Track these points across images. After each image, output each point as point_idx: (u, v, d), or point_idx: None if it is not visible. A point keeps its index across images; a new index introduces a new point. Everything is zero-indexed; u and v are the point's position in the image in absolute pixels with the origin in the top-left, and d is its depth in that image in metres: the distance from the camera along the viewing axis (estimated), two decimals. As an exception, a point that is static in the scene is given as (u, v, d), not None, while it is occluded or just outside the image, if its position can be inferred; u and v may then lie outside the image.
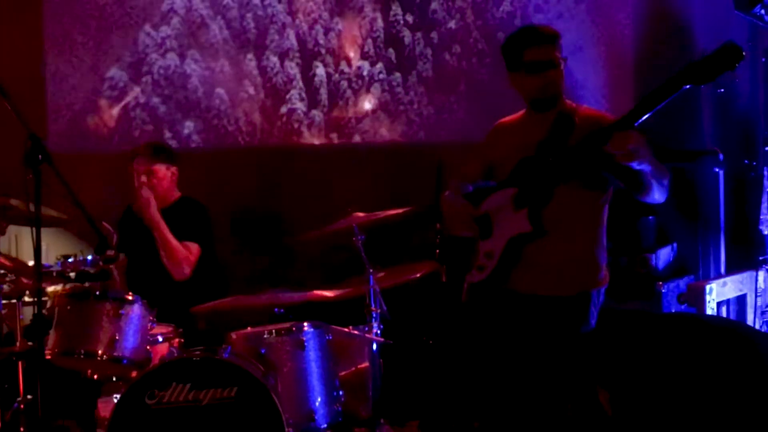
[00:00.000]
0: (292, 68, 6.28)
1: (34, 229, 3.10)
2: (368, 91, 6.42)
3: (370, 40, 6.40)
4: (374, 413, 4.09)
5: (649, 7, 6.40)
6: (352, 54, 6.39)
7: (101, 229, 3.85)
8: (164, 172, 4.41)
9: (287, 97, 6.27)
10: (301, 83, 6.30)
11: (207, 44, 6.15)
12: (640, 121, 2.92)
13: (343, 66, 6.36)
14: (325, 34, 6.35)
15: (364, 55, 6.41)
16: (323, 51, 6.34)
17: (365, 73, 6.38)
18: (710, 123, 6.10)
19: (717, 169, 5.15)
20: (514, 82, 3.29)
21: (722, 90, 2.85)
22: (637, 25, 6.44)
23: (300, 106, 6.27)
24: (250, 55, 6.20)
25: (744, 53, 2.79)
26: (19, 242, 4.77)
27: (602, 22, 6.59)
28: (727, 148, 5.38)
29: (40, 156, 3.08)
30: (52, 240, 4.85)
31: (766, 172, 5.01)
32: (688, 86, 2.85)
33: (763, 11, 4.80)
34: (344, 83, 6.37)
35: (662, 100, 2.87)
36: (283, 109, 6.24)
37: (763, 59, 5.14)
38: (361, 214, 4.13)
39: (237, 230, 4.69)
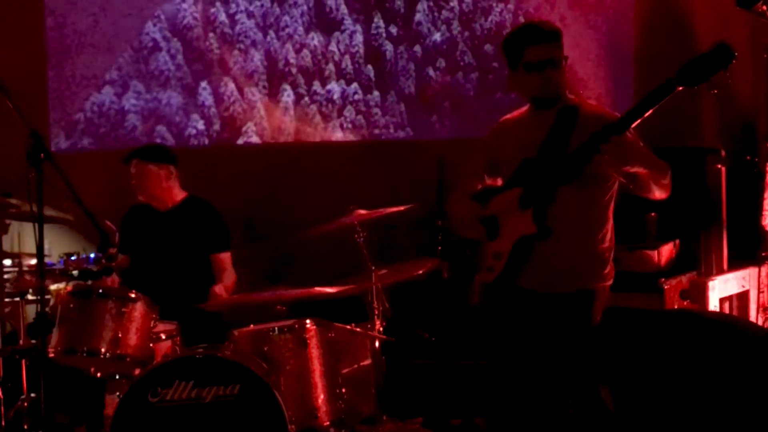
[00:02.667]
0: (254, 94, 5.82)
1: (36, 227, 3.10)
2: (340, 115, 6.01)
3: (348, 57, 6.02)
4: (377, 410, 4.09)
5: (651, 5, 6.39)
6: (327, 73, 5.99)
7: (103, 227, 3.86)
8: (157, 172, 4.41)
9: (243, 129, 5.82)
10: (262, 111, 5.84)
11: (156, 72, 5.62)
12: (635, 123, 2.94)
13: (317, 86, 5.95)
14: (299, 51, 5.91)
15: (340, 74, 6.02)
16: (294, 71, 5.90)
17: (336, 97, 5.98)
18: (712, 119, 6.11)
19: (719, 166, 5.15)
20: (515, 80, 3.28)
21: (716, 90, 2.85)
22: (638, 23, 6.42)
23: (256, 140, 5.85)
24: (204, 83, 5.70)
25: (736, 53, 2.79)
26: (22, 240, 4.77)
27: (600, 26, 6.41)
28: (729, 144, 5.38)
29: (41, 154, 3.08)
30: (55, 238, 4.85)
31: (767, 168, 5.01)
32: (681, 88, 2.86)
33: (764, 7, 4.79)
34: (314, 107, 5.95)
35: (656, 102, 2.88)
36: (240, 141, 5.84)
37: (765, 55, 5.14)
38: (362, 212, 4.13)
39: (238, 228, 4.70)
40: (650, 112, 2.90)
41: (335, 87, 6.00)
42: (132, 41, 5.58)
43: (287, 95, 5.90)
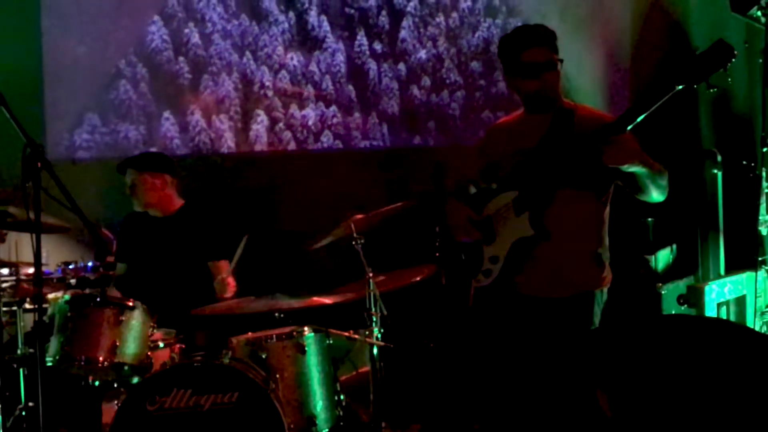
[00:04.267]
0: (222, 122, 5.49)
1: (34, 236, 3.10)
2: (317, 140, 5.75)
3: (328, 76, 5.76)
4: (375, 417, 4.09)
5: (645, 13, 6.39)
6: (305, 94, 5.71)
7: (101, 236, 3.87)
8: (152, 181, 4.41)
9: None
10: (231, 141, 5.53)
11: (117, 102, 5.26)
12: (635, 122, 2.92)
13: (293, 109, 5.67)
14: (276, 72, 5.62)
15: (319, 95, 5.75)
16: (270, 93, 5.61)
17: (312, 122, 5.69)
18: (708, 124, 6.12)
19: (715, 170, 5.16)
20: (511, 84, 3.30)
21: (715, 89, 2.82)
22: (634, 32, 6.41)
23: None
24: (167, 113, 5.34)
25: (736, 52, 2.78)
26: (20, 249, 4.76)
27: (592, 37, 6.28)
28: (725, 149, 5.39)
29: (39, 163, 3.08)
30: (53, 247, 4.84)
31: (764, 173, 5.02)
32: (680, 86, 2.84)
33: (759, 13, 4.81)
34: (288, 134, 5.66)
35: (655, 101, 2.86)
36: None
37: (760, 60, 5.16)
38: (360, 216, 4.13)
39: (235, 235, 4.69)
40: (649, 111, 2.88)
41: (311, 113, 5.74)
42: (90, 67, 5.25)
43: (260, 120, 5.64)
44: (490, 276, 3.25)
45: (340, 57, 5.85)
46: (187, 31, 5.48)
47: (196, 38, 5.49)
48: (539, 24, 3.31)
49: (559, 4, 6.21)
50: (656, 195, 3.12)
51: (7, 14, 5.22)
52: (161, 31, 5.40)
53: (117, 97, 5.34)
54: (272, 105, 5.66)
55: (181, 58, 5.47)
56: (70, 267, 4.46)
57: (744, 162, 5.37)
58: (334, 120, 5.82)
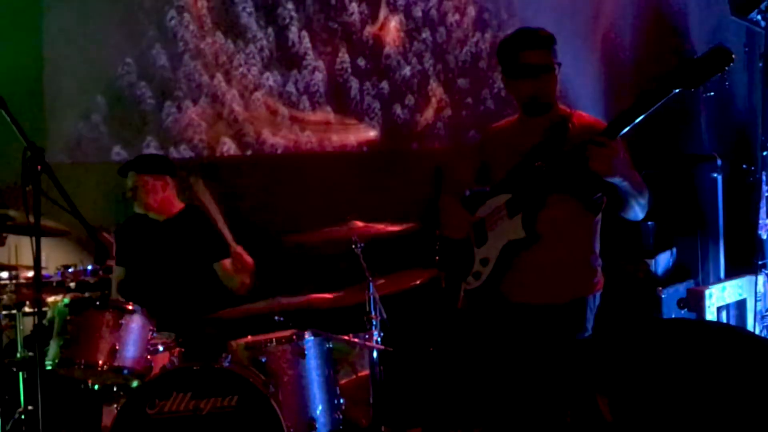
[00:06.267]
0: (182, 153, 5.16)
1: (33, 239, 3.10)
2: None
3: (305, 97, 5.46)
4: (375, 421, 4.09)
5: (647, 14, 6.39)
6: (279, 118, 5.39)
7: (101, 239, 3.87)
8: (153, 183, 4.40)
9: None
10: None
11: (65, 132, 4.98)
12: (631, 126, 2.90)
13: (266, 135, 5.36)
14: (250, 94, 5.30)
15: (294, 118, 5.46)
16: (240, 118, 5.28)
17: (280, 150, 5.41)
18: (708, 128, 6.12)
19: (715, 174, 5.16)
20: (509, 86, 3.30)
21: (712, 93, 2.82)
22: (635, 32, 6.40)
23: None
24: (117, 148, 5.00)
25: (733, 56, 2.78)
26: (19, 252, 4.76)
27: (590, 45, 6.17)
28: (725, 153, 5.39)
29: (39, 167, 3.08)
30: (52, 250, 4.84)
31: (764, 177, 5.02)
32: (677, 90, 2.83)
33: (759, 16, 4.82)
34: None
35: (652, 105, 2.83)
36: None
37: (760, 64, 5.16)
38: (359, 224, 4.13)
39: (235, 238, 4.68)
40: (645, 115, 2.87)
41: (280, 141, 5.47)
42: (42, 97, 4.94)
43: (226, 149, 5.34)
44: (479, 278, 3.25)
45: (320, 75, 5.59)
46: (153, 52, 5.19)
47: (163, 60, 5.19)
48: (539, 27, 3.31)
49: (553, 15, 6.17)
50: (636, 212, 3.11)
51: (8, 18, 5.24)
52: (124, 53, 5.10)
53: (66, 127, 5.08)
54: (242, 131, 5.38)
55: (143, 83, 5.15)
56: (70, 270, 4.47)
57: (744, 166, 5.38)
58: (308, 146, 5.58)
